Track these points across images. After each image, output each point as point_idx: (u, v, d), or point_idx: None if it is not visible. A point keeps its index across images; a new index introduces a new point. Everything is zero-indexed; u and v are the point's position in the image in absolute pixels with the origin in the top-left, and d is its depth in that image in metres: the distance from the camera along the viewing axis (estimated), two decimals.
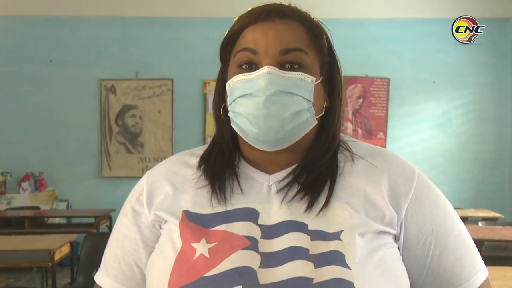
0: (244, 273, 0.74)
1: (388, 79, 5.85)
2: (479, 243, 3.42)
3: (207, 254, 0.77)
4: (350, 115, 5.85)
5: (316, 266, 0.74)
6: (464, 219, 4.51)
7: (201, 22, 5.67)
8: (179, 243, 0.80)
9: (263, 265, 0.75)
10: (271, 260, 0.75)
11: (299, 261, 0.75)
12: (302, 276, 0.73)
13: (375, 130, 5.88)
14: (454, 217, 0.87)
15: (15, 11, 5.76)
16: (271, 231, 0.79)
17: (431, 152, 5.82)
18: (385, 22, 5.80)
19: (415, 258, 0.82)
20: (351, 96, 5.85)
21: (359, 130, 5.88)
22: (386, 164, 0.85)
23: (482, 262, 0.87)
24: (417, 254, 0.82)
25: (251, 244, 0.77)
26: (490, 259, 3.23)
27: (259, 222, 0.80)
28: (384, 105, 5.88)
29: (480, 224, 4.27)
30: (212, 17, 5.48)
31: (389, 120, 5.88)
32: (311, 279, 0.73)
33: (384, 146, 5.77)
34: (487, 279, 0.86)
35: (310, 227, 0.78)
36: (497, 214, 4.80)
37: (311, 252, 0.75)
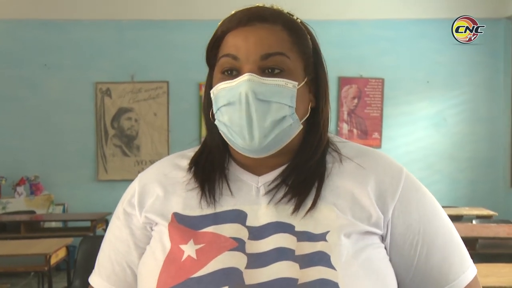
0: (230, 274, 0.75)
1: (383, 80, 5.88)
2: (473, 240, 3.45)
3: (194, 256, 0.78)
4: (345, 116, 5.88)
5: (301, 267, 0.75)
6: (459, 217, 4.54)
7: (196, 25, 5.67)
8: (168, 245, 0.81)
9: (249, 266, 0.76)
10: (257, 261, 0.77)
11: (285, 262, 0.76)
12: (287, 276, 0.74)
13: (370, 130, 5.91)
14: (442, 216, 0.87)
15: (9, 15, 5.75)
16: (258, 233, 0.80)
17: (426, 152, 5.85)
18: (379, 23, 5.83)
19: (402, 257, 0.83)
20: (346, 96, 5.87)
21: (355, 131, 5.90)
22: (374, 164, 0.85)
23: (471, 261, 0.87)
24: (404, 253, 0.82)
25: (238, 245, 0.78)
26: (484, 257, 3.27)
27: (247, 223, 0.81)
28: (379, 105, 5.90)
29: (474, 222, 4.30)
30: (207, 20, 5.45)
31: (384, 120, 5.91)
32: (296, 280, 0.74)
33: (379, 146, 5.80)
34: (475, 278, 0.86)
35: (296, 228, 0.79)
36: (491, 212, 4.83)
37: (297, 253, 0.76)
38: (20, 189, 5.52)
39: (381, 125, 5.91)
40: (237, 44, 0.81)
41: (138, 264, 0.86)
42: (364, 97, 5.89)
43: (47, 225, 5.22)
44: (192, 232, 0.81)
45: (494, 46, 5.80)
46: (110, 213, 4.92)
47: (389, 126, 5.90)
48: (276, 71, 0.81)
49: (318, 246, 0.77)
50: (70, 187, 5.74)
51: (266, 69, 0.81)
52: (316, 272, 0.74)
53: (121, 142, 5.83)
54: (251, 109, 0.79)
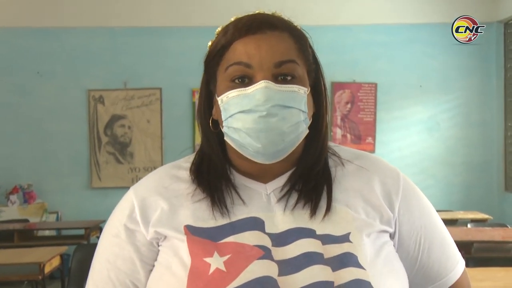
0: (266, 283, 0.75)
1: (376, 84, 5.89)
2: (468, 244, 3.45)
3: (223, 268, 0.76)
4: (338, 121, 5.88)
5: (333, 270, 0.76)
6: (454, 221, 4.54)
7: (189, 31, 5.67)
8: (188, 259, 0.79)
9: (282, 273, 0.76)
10: (288, 267, 0.76)
11: (317, 266, 0.76)
12: (323, 280, 0.75)
13: (364, 135, 5.91)
14: (435, 213, 0.94)
15: (2, 23, 5.73)
16: (280, 239, 0.80)
17: (420, 156, 5.86)
18: (372, 28, 5.85)
19: (408, 253, 0.87)
20: (339, 101, 5.88)
21: (348, 136, 5.90)
22: (374, 166, 0.89)
23: (459, 252, 0.95)
24: (409, 249, 0.87)
25: (265, 253, 0.78)
26: (479, 260, 3.27)
27: (266, 230, 0.81)
28: (372, 110, 5.92)
29: (469, 225, 4.31)
30: (200, 26, 5.49)
31: (378, 125, 5.92)
32: (332, 283, 0.75)
33: (373, 150, 5.81)
34: (465, 269, 0.95)
35: (318, 232, 0.80)
36: (485, 216, 4.85)
37: (325, 256, 0.77)
38: (13, 197, 5.48)
39: (374, 130, 5.92)
40: (249, 52, 0.81)
41: (145, 282, 0.84)
42: (357, 102, 5.90)
43: (40, 233, 5.18)
44: (212, 243, 0.79)
45: (487, 50, 5.83)
46: (104, 221, 4.88)
47: (383, 130, 5.91)
48: (288, 78, 0.82)
49: (344, 248, 0.79)
50: (64, 195, 5.70)
51: (279, 76, 0.81)
52: (349, 274, 0.76)
53: (114, 150, 5.81)
54: (270, 114, 0.79)
